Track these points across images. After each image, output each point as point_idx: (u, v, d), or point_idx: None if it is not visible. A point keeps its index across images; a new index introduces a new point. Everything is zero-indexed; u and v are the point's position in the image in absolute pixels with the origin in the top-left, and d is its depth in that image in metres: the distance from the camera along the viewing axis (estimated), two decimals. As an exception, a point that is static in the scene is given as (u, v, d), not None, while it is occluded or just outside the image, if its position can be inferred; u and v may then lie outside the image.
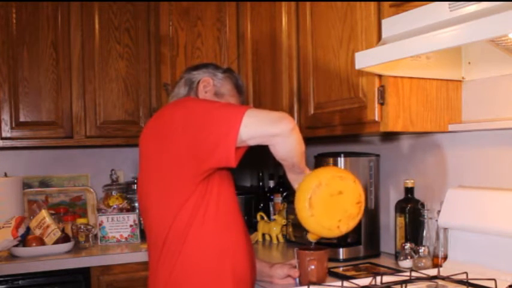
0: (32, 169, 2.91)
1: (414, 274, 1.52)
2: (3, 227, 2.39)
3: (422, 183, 1.99)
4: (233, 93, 1.77)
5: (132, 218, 2.66)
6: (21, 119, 2.62)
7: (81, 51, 2.71)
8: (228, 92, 1.76)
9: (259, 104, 2.48)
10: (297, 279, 1.67)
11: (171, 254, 1.48)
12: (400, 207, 1.94)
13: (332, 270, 1.80)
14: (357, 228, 2.04)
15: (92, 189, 3.01)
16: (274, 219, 2.50)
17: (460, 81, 1.81)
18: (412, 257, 1.78)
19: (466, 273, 1.46)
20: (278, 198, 2.72)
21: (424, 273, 1.54)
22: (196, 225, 1.46)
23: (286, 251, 2.29)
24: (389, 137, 2.16)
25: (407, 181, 1.94)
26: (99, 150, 3.05)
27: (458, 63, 1.72)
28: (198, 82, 1.72)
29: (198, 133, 1.40)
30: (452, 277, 1.47)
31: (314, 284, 1.51)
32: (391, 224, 2.09)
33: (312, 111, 2.06)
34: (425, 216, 1.83)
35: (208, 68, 1.78)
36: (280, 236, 2.47)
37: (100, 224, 2.63)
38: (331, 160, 2.04)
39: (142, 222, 2.02)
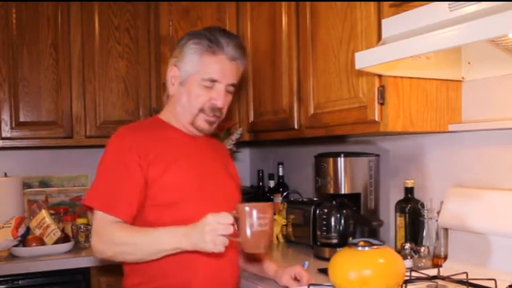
0: (32, 169, 2.90)
1: (414, 274, 1.52)
2: (3, 227, 2.39)
3: (422, 183, 1.99)
4: (203, 62, 1.53)
5: (132, 218, 2.65)
6: (21, 119, 2.62)
7: (81, 51, 2.70)
8: (194, 70, 1.54)
9: (259, 104, 2.48)
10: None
11: None
12: (400, 207, 1.94)
13: (332, 270, 1.80)
14: (357, 228, 2.06)
15: (92, 189, 3.01)
16: (274, 219, 2.50)
17: (460, 81, 1.81)
18: (412, 257, 1.78)
19: (466, 273, 1.46)
20: (278, 198, 2.72)
21: (424, 273, 1.55)
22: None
23: (286, 251, 2.29)
24: (389, 137, 2.16)
25: (407, 181, 1.94)
26: (99, 150, 3.03)
27: (458, 63, 1.72)
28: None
29: None
30: (452, 277, 1.47)
31: (313, 284, 1.51)
32: (391, 224, 2.09)
33: (312, 111, 2.06)
34: (425, 216, 1.83)
35: (176, 49, 1.61)
36: (280, 236, 2.47)
37: (100, 224, 2.62)
38: (331, 160, 2.04)
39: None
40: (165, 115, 1.65)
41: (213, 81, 1.54)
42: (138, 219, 1.49)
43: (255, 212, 1.33)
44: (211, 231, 1.30)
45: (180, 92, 1.58)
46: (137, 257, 1.43)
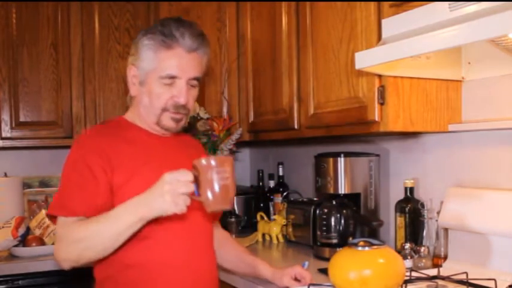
0: (32, 169, 2.90)
1: (414, 274, 1.52)
2: (3, 227, 2.39)
3: (422, 183, 1.99)
4: (159, 58, 1.43)
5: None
6: (21, 119, 2.62)
7: (81, 51, 2.71)
8: (151, 68, 1.43)
9: (259, 104, 2.48)
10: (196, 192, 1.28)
11: None
12: (400, 207, 1.94)
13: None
14: (357, 228, 2.06)
15: (92, 189, 3.01)
16: (274, 219, 2.50)
17: (460, 81, 1.81)
18: (412, 257, 1.78)
19: (466, 273, 1.46)
20: (278, 198, 2.72)
21: (424, 273, 1.55)
22: None
23: (286, 251, 2.29)
24: (389, 137, 2.16)
25: (407, 181, 1.94)
26: (99, 150, 3.05)
27: (458, 63, 1.72)
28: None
29: None
30: (452, 277, 1.47)
31: (313, 284, 1.51)
32: (391, 224, 2.09)
33: (312, 111, 2.06)
34: (425, 216, 1.83)
35: (132, 47, 1.51)
36: (280, 236, 2.47)
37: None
38: (331, 160, 2.04)
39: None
40: (129, 116, 1.56)
41: (172, 77, 1.43)
42: None
43: (213, 163, 1.25)
44: (171, 190, 1.22)
45: (141, 92, 1.48)
46: (101, 246, 1.33)
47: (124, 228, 1.30)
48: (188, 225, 1.47)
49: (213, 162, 1.26)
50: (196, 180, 1.25)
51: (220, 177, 1.26)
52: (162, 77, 1.43)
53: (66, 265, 1.38)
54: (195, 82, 1.48)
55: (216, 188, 1.25)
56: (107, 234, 1.31)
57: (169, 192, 1.22)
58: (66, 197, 1.40)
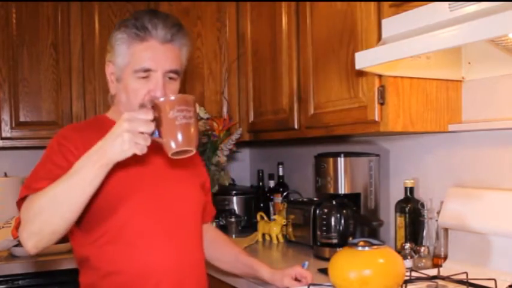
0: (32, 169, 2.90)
1: (414, 274, 1.52)
2: (3, 227, 2.39)
3: (422, 183, 1.99)
4: (133, 52, 1.36)
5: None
6: (21, 119, 2.62)
7: (81, 51, 2.70)
8: (125, 62, 1.37)
9: (259, 104, 2.48)
10: (157, 133, 1.19)
11: None
12: (400, 207, 1.94)
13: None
14: (357, 228, 2.06)
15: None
16: (274, 219, 2.50)
17: (460, 81, 1.81)
18: (412, 257, 1.78)
19: (466, 273, 1.46)
20: (278, 198, 2.72)
21: (424, 273, 1.55)
22: None
23: (286, 251, 2.29)
24: (389, 137, 2.16)
25: (407, 181, 1.94)
26: (99, 150, 3.05)
27: (458, 63, 1.72)
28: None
29: None
30: (452, 277, 1.47)
31: (313, 284, 1.51)
32: (391, 224, 2.09)
33: (312, 111, 2.06)
34: (425, 216, 1.83)
35: (108, 43, 1.44)
36: (280, 236, 2.47)
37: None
38: (331, 160, 2.04)
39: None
40: (111, 114, 1.50)
41: (147, 70, 1.35)
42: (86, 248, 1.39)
43: (174, 99, 1.19)
44: (130, 129, 1.14)
45: (119, 89, 1.41)
46: (65, 213, 1.22)
47: (85, 185, 1.19)
48: (174, 229, 1.43)
49: (173, 98, 1.19)
50: (157, 121, 1.18)
51: (183, 116, 1.18)
52: (136, 70, 1.36)
53: (31, 244, 1.25)
54: (173, 75, 1.39)
55: (178, 127, 1.17)
56: (69, 196, 1.20)
57: (129, 131, 1.14)
58: (32, 179, 1.33)
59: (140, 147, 1.16)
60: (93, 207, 1.33)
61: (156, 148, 1.28)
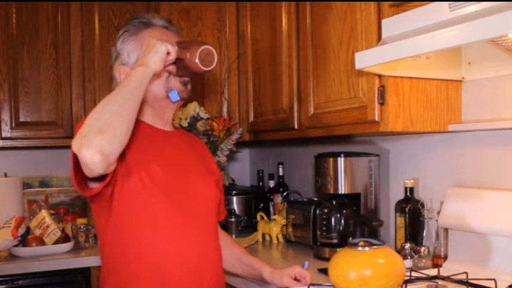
0: (32, 169, 2.90)
1: (414, 274, 1.52)
2: (3, 227, 2.39)
3: (422, 183, 1.99)
4: (142, 38, 1.50)
5: (132, 218, 2.65)
6: (21, 119, 2.62)
7: (81, 51, 2.70)
8: (138, 53, 1.49)
9: (259, 104, 2.48)
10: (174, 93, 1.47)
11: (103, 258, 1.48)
12: (400, 207, 1.94)
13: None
14: (357, 228, 2.06)
15: (92, 189, 3.00)
16: (274, 219, 2.50)
17: (460, 81, 1.81)
18: (412, 257, 1.79)
19: (466, 273, 1.46)
20: (278, 198, 2.72)
21: (424, 273, 1.55)
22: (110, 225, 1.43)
23: (286, 251, 2.29)
24: (389, 137, 2.16)
25: (407, 181, 1.94)
26: (99, 150, 3.04)
27: (458, 63, 1.72)
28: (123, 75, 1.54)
29: None
30: (452, 277, 1.47)
31: (313, 284, 1.51)
32: (391, 224, 2.09)
33: (312, 111, 2.06)
34: (425, 216, 1.83)
35: (113, 52, 1.57)
36: (280, 236, 2.47)
37: (100, 224, 2.62)
38: (331, 160, 2.04)
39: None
40: None
41: None
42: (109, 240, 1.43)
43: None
44: (160, 39, 1.35)
45: None
46: (126, 108, 1.24)
47: (134, 86, 1.28)
48: (195, 222, 1.48)
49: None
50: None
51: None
52: None
53: (89, 154, 1.17)
54: None
55: (203, 50, 1.46)
56: (122, 99, 1.25)
57: (160, 41, 1.34)
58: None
59: (166, 44, 1.33)
60: (124, 197, 1.38)
61: (175, 142, 1.47)
